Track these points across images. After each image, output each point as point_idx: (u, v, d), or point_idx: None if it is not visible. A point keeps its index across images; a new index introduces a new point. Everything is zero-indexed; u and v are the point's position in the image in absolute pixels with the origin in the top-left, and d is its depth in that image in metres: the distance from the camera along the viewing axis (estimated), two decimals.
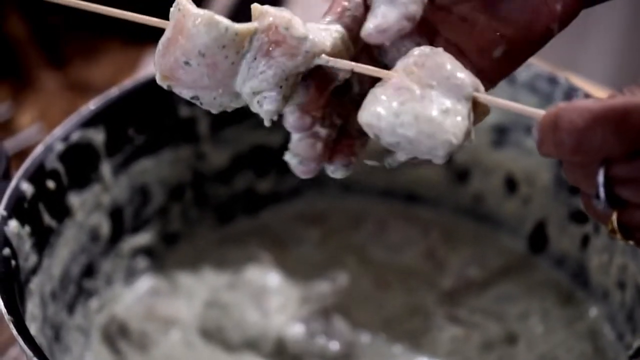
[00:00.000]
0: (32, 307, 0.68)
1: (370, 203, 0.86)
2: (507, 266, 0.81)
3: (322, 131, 0.56)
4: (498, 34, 0.57)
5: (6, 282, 0.65)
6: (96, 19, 1.02)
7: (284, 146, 0.82)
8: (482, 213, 0.83)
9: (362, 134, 0.56)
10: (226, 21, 0.54)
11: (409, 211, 0.85)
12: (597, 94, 0.78)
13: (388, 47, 0.57)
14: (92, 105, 0.75)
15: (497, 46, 0.57)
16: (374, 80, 0.55)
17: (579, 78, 0.85)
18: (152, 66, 0.97)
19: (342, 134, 0.57)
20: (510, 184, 0.82)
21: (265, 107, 0.55)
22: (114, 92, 0.76)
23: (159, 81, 0.56)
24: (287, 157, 0.57)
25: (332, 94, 0.56)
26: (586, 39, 1.18)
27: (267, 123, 0.56)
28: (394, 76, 0.54)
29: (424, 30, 0.58)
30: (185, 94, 0.56)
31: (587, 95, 0.75)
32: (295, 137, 0.56)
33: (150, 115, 0.78)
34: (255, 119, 0.80)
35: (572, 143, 0.49)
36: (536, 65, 0.77)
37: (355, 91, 0.58)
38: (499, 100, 0.54)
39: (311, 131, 0.55)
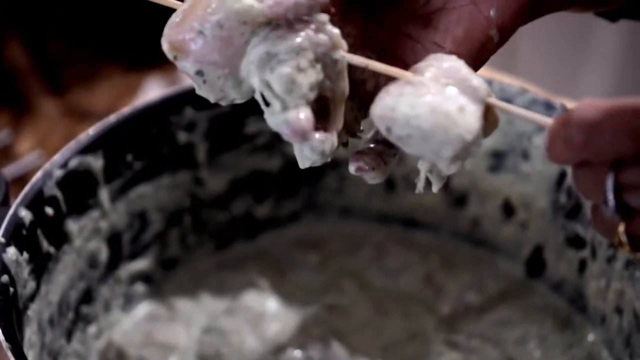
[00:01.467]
0: (30, 334, 0.68)
1: (368, 228, 0.86)
2: (504, 291, 0.81)
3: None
4: (439, 46, 0.58)
5: (4, 309, 0.65)
6: (96, 44, 1.03)
7: (283, 171, 0.83)
8: (479, 238, 0.83)
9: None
10: None
11: (408, 236, 0.85)
12: None
13: None
14: (90, 131, 0.75)
15: None
16: None
17: (575, 104, 0.85)
18: (152, 92, 0.99)
19: None
20: (508, 209, 0.82)
21: (278, 70, 0.53)
22: (112, 118, 0.76)
23: (166, 51, 0.55)
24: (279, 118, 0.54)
25: None
26: (582, 65, 1.19)
27: (280, 90, 0.53)
28: (410, 75, 0.54)
29: (375, 47, 0.59)
30: (190, 68, 0.55)
31: None
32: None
33: (149, 142, 0.78)
34: (253, 144, 0.82)
35: (582, 139, 0.49)
36: (532, 91, 0.78)
37: None
38: (511, 107, 0.54)
39: None
